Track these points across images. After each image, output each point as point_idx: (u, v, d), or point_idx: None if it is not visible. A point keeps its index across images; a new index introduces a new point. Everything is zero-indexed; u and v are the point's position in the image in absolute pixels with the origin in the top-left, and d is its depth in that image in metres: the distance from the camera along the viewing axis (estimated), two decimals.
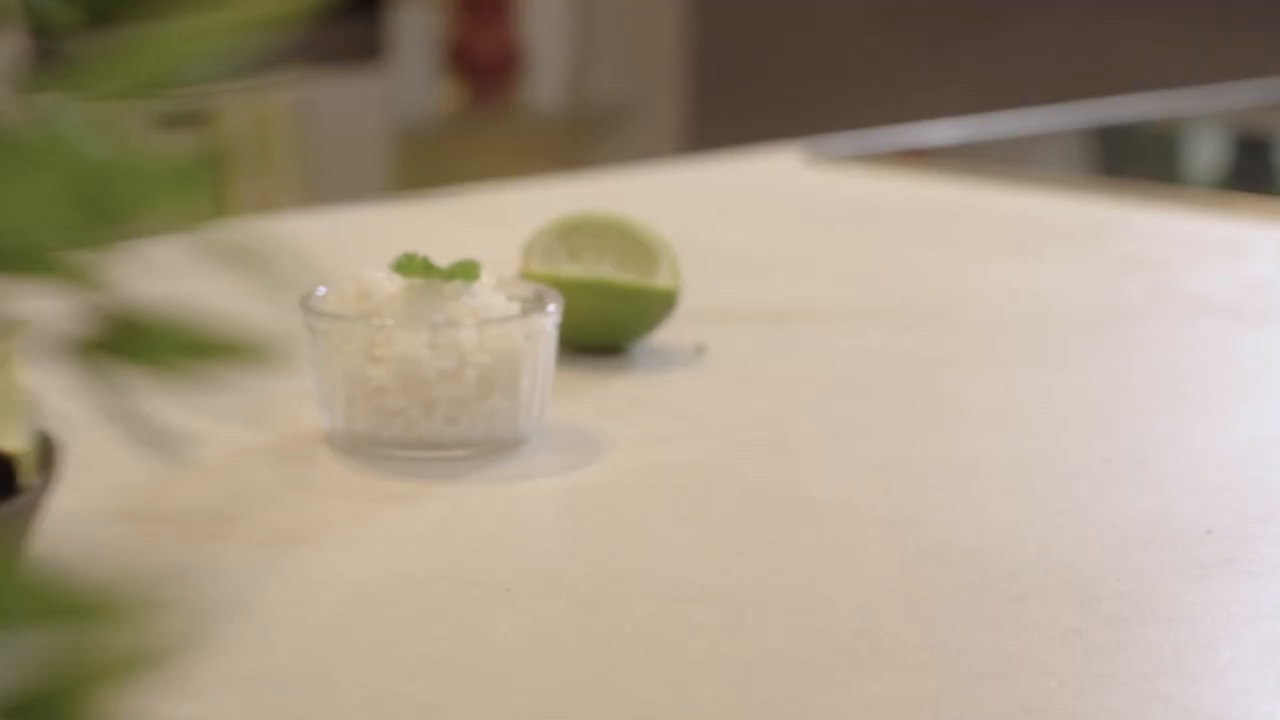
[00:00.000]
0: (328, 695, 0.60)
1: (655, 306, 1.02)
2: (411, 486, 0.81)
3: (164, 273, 0.46)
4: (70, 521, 0.70)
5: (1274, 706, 0.61)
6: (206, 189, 0.34)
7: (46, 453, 0.61)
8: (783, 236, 1.43)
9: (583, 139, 3.29)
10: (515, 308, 0.87)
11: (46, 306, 0.37)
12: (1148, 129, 2.18)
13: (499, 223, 1.40)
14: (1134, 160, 2.06)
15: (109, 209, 0.34)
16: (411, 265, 0.86)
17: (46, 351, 0.60)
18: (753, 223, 1.49)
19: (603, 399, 0.95)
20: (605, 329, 1.02)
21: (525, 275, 1.00)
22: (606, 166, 1.99)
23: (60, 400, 0.57)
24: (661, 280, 1.02)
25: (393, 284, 0.86)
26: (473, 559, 0.71)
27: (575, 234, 1.03)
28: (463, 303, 0.86)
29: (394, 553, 0.71)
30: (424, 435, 0.84)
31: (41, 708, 0.33)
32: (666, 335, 1.05)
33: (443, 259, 0.87)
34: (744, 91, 3.25)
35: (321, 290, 0.88)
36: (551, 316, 0.88)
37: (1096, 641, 0.65)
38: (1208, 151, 2.16)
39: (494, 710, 0.60)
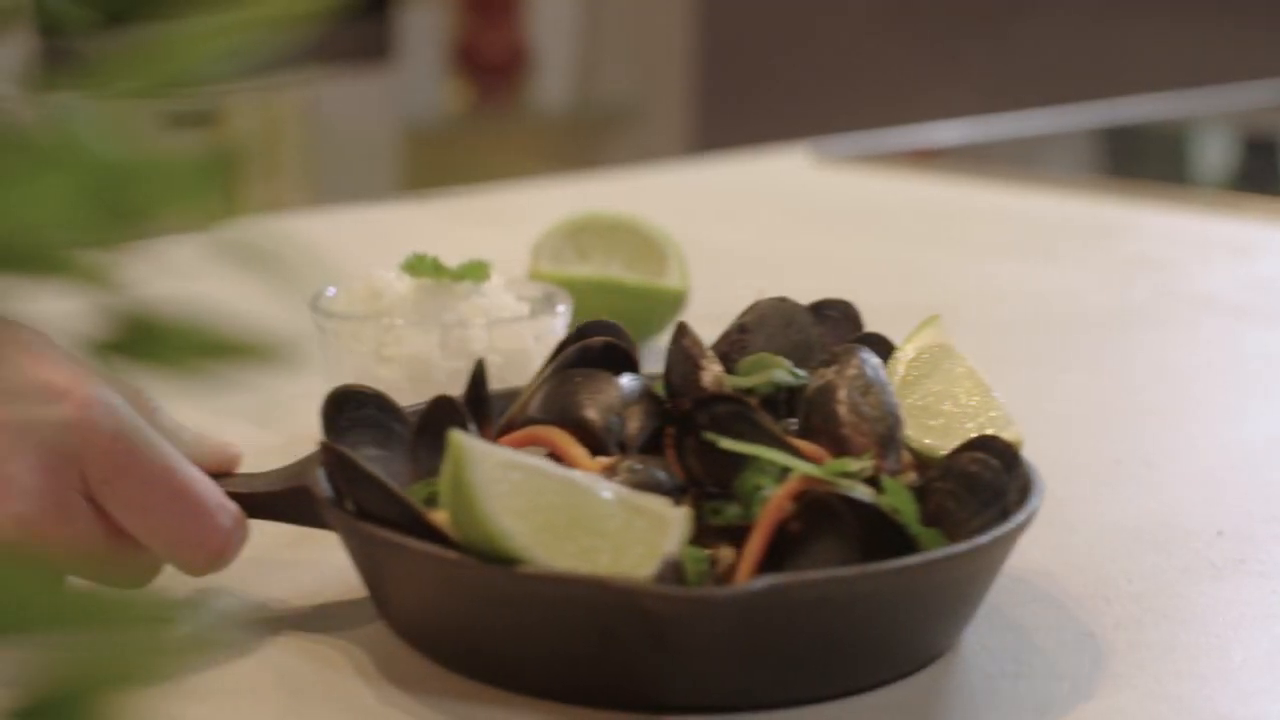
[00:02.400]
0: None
1: (664, 306, 1.02)
2: None
3: (177, 272, 0.46)
4: None
5: None
6: (220, 188, 0.34)
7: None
8: (789, 236, 1.43)
9: (590, 139, 3.29)
10: (525, 308, 0.87)
11: (60, 307, 0.37)
12: (1155, 129, 2.17)
13: (507, 222, 1.40)
14: (1141, 160, 2.06)
15: (122, 208, 0.34)
16: (421, 265, 0.86)
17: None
18: (759, 223, 1.49)
19: None
20: None
21: (534, 275, 1.00)
22: (613, 166, 1.99)
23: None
24: (670, 280, 1.02)
25: (402, 284, 0.86)
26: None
27: (584, 234, 1.03)
28: (473, 303, 0.86)
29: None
30: None
31: (54, 709, 0.33)
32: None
33: (451, 259, 0.87)
34: (751, 92, 3.25)
35: (331, 290, 0.88)
36: (561, 317, 0.88)
37: (1108, 643, 0.65)
38: (1215, 152, 2.16)
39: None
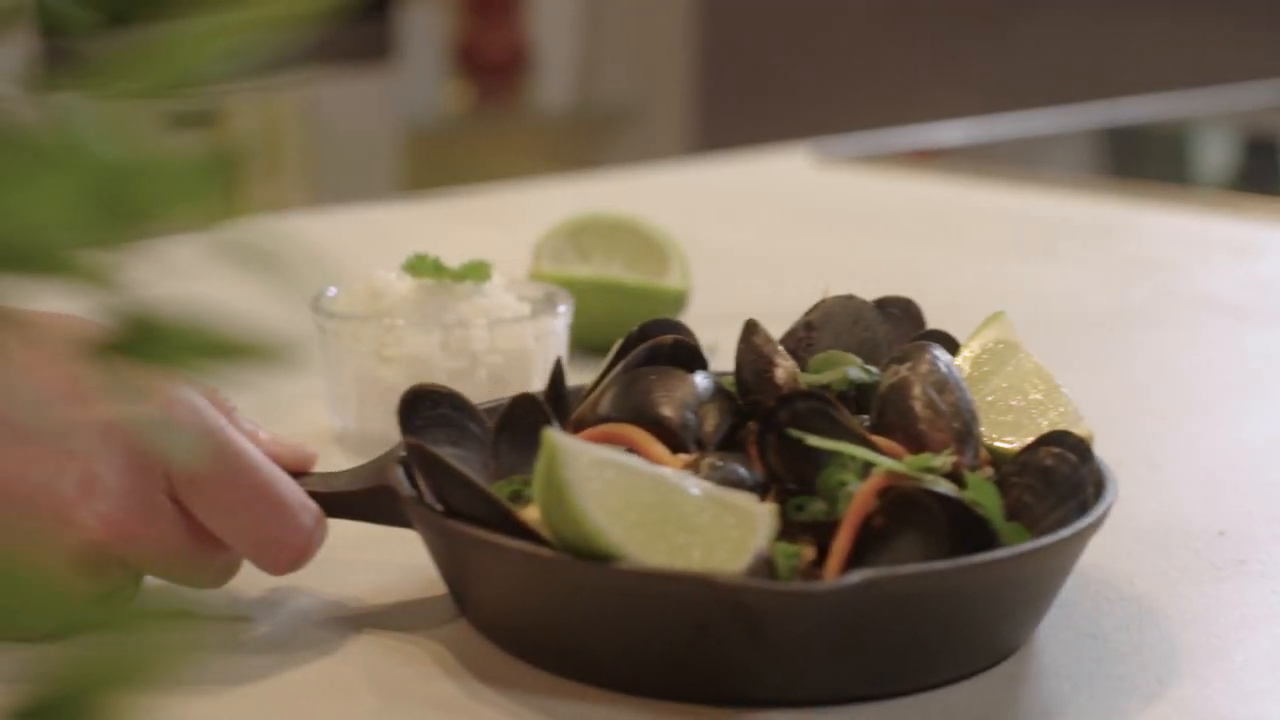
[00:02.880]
0: (342, 697, 0.60)
1: (665, 306, 1.02)
2: None
3: (178, 273, 0.46)
4: None
5: None
6: (221, 189, 0.34)
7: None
8: (791, 237, 1.43)
9: (590, 139, 3.29)
10: (526, 308, 0.87)
11: (63, 307, 0.37)
12: (1156, 129, 2.17)
13: (508, 222, 1.40)
14: (1142, 161, 2.06)
15: (124, 209, 0.34)
16: (422, 266, 0.86)
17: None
18: (761, 223, 1.49)
19: None
20: (616, 329, 1.01)
21: (535, 275, 1.00)
22: (615, 167, 1.99)
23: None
24: (671, 280, 1.02)
25: (403, 284, 0.86)
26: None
27: (585, 234, 1.03)
28: (474, 303, 0.86)
29: (408, 553, 0.71)
30: None
31: (58, 709, 0.33)
32: None
33: (452, 259, 0.87)
34: (752, 91, 3.25)
35: (332, 290, 0.88)
36: (562, 317, 0.88)
37: (1110, 644, 0.65)
38: (1216, 152, 2.16)
39: (511, 711, 0.60)
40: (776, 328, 0.79)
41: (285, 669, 0.62)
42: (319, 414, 0.89)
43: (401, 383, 0.83)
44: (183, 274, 0.49)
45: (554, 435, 0.58)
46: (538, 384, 0.85)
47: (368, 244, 1.31)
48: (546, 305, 0.89)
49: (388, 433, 0.84)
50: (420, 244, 0.89)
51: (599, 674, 0.60)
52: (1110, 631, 0.66)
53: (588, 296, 0.96)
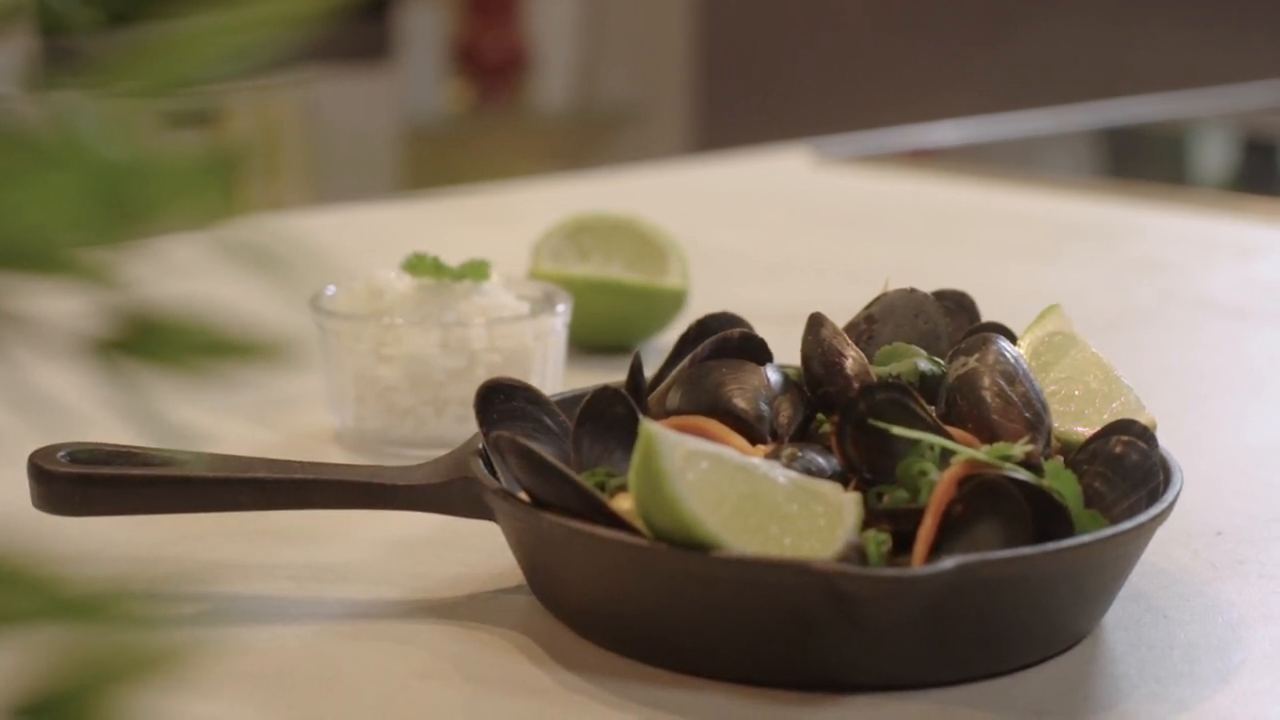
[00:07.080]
0: (340, 694, 0.60)
1: (665, 306, 1.02)
2: None
3: (179, 272, 0.46)
4: (80, 520, 0.70)
5: None
6: (221, 188, 0.35)
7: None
8: (791, 237, 1.43)
9: (590, 139, 3.29)
10: (525, 307, 0.88)
11: (63, 306, 0.37)
12: (1157, 130, 2.17)
13: (508, 222, 1.40)
14: (1143, 162, 2.06)
15: (126, 208, 0.34)
16: (422, 265, 0.86)
17: (63, 350, 0.60)
18: (761, 223, 1.49)
19: None
20: (615, 328, 1.02)
21: (534, 275, 1.00)
22: (615, 166, 1.99)
23: (75, 397, 0.57)
24: (671, 280, 1.02)
25: (403, 283, 0.86)
26: (485, 559, 0.71)
27: (585, 234, 1.03)
28: (473, 302, 0.86)
29: (405, 551, 0.71)
30: (434, 434, 0.84)
31: (58, 707, 0.33)
32: (675, 335, 1.04)
33: (451, 258, 0.87)
34: (751, 91, 3.25)
35: (332, 289, 0.88)
36: (561, 316, 0.88)
37: (1108, 643, 0.65)
38: (1217, 153, 2.16)
39: (503, 711, 0.60)
40: (779, 328, 0.79)
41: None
42: (318, 413, 0.89)
43: (401, 381, 0.84)
44: (183, 273, 0.49)
45: (651, 426, 0.59)
46: (536, 383, 0.85)
47: (367, 243, 1.31)
48: (545, 304, 0.89)
49: (387, 431, 0.84)
50: (419, 243, 0.89)
51: (690, 661, 0.61)
52: (1108, 629, 0.66)
53: (587, 296, 0.96)
